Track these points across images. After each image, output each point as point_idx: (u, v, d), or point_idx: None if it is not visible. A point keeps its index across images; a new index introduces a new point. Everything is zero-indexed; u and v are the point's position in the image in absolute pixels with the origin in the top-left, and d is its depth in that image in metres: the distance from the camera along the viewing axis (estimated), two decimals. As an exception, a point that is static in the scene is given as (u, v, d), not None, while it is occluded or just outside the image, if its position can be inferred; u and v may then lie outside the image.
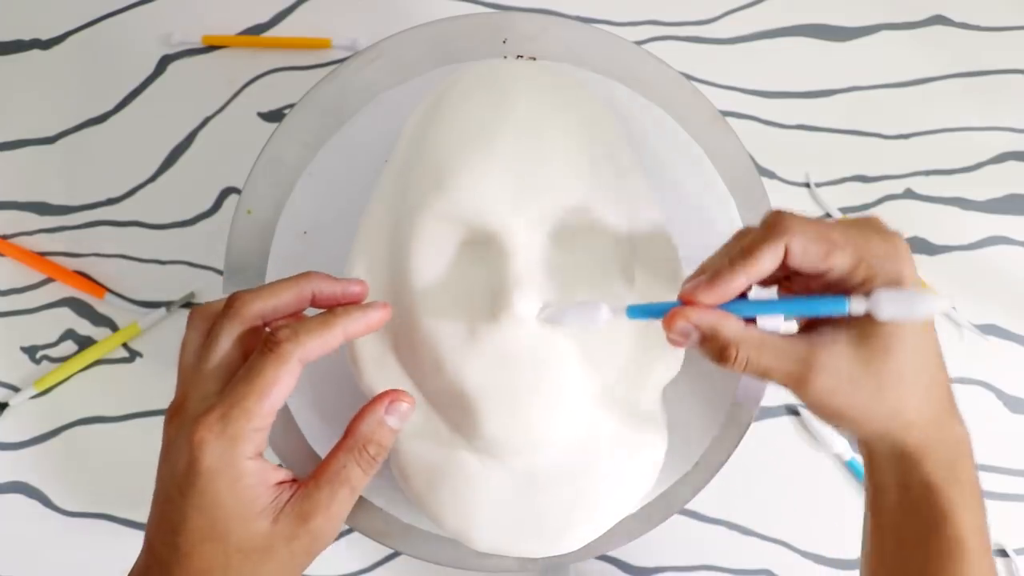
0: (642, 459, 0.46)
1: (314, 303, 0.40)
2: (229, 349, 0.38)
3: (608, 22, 0.62)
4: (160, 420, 0.57)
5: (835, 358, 0.37)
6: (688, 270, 0.49)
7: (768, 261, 0.37)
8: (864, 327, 0.37)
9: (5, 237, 0.60)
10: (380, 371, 0.45)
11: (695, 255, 0.50)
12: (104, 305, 0.59)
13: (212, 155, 0.61)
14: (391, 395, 0.40)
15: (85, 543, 0.58)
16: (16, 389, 0.59)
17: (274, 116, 0.61)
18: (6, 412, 0.59)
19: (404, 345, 0.44)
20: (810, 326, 0.39)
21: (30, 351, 0.59)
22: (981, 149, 0.62)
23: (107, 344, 0.59)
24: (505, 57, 0.53)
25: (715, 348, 0.38)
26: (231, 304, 0.38)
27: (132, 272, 0.60)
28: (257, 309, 0.38)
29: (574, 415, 0.43)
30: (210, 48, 0.61)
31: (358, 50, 0.58)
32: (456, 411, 0.43)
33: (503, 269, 0.42)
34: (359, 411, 0.40)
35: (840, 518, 0.58)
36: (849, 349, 0.37)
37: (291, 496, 0.37)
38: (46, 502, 0.58)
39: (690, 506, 0.55)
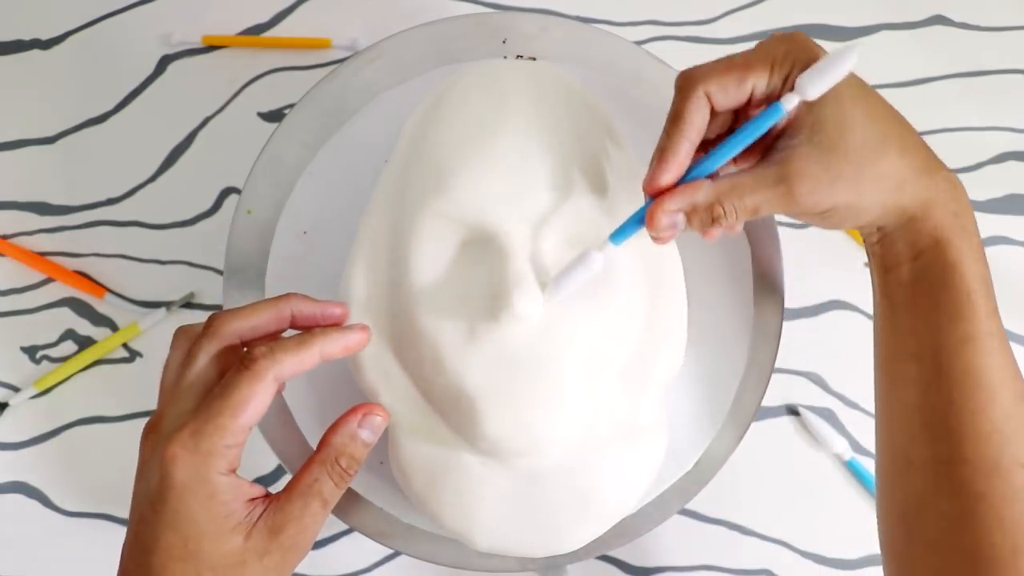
0: (642, 459, 0.46)
1: (294, 324, 0.41)
2: (206, 367, 0.38)
3: (608, 22, 0.62)
4: (160, 420, 0.58)
5: (803, 161, 0.38)
6: (686, 265, 0.49)
7: (696, 115, 0.38)
8: (811, 124, 0.38)
9: (5, 237, 0.60)
10: (380, 371, 0.45)
11: (694, 255, 0.50)
12: (104, 305, 0.59)
13: (212, 155, 0.61)
14: (364, 408, 0.40)
15: (85, 543, 0.58)
16: (16, 389, 0.59)
17: (274, 116, 0.61)
18: (6, 412, 0.59)
19: (404, 345, 0.44)
20: (771, 149, 0.40)
21: (30, 351, 0.59)
22: (981, 149, 0.62)
23: (107, 344, 0.59)
24: (505, 57, 0.53)
25: (703, 218, 0.39)
26: (210, 324, 0.39)
27: (132, 272, 0.60)
28: (235, 328, 0.39)
29: (574, 415, 0.43)
30: (210, 48, 0.61)
31: (358, 50, 0.58)
32: (456, 411, 0.43)
33: (503, 268, 0.42)
34: (333, 424, 0.40)
35: (840, 518, 0.58)
36: (810, 148, 0.38)
37: (263, 511, 0.37)
38: (46, 502, 0.58)
39: (690, 506, 0.55)
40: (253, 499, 0.37)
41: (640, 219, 0.40)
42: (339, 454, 0.39)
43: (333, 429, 0.40)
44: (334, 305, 0.42)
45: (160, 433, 0.37)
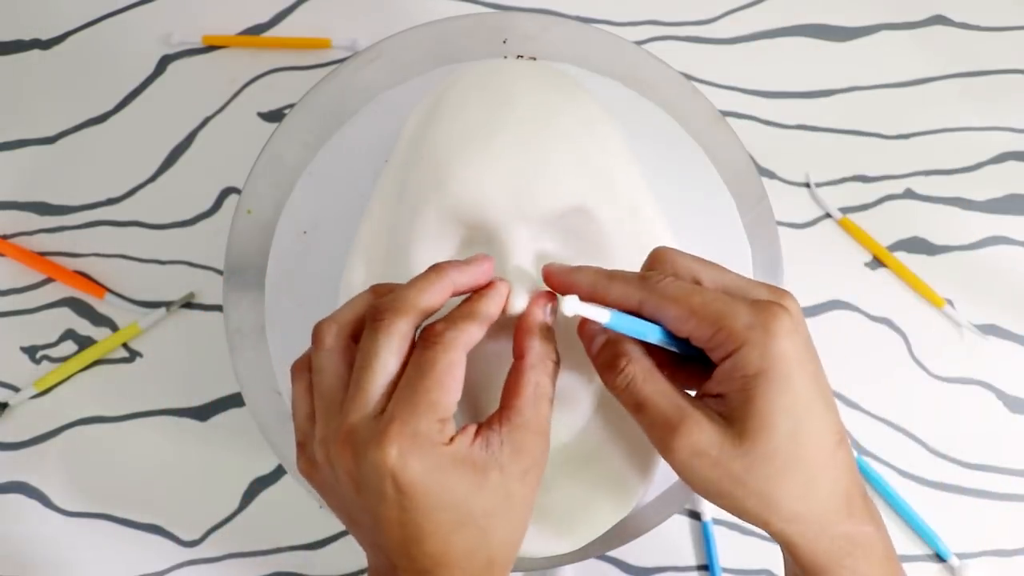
0: (642, 459, 0.46)
1: (454, 294, 0.39)
2: (392, 366, 0.36)
3: (608, 22, 0.62)
4: (160, 420, 0.58)
5: (706, 422, 0.35)
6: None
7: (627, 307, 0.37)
8: (742, 404, 0.35)
9: (5, 237, 0.60)
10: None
11: (698, 251, 0.50)
12: (104, 305, 0.59)
13: (212, 155, 0.61)
14: (543, 299, 0.40)
15: (85, 543, 0.58)
16: (16, 389, 0.59)
17: (274, 116, 0.61)
18: (6, 412, 0.59)
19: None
20: (704, 394, 0.37)
21: (30, 351, 0.59)
22: (981, 149, 0.62)
23: (107, 344, 0.59)
24: (505, 57, 0.53)
25: (610, 354, 0.38)
26: (382, 317, 0.36)
27: (132, 272, 0.60)
28: (413, 321, 0.37)
29: (574, 415, 0.43)
30: (210, 48, 0.61)
31: (358, 50, 0.58)
32: (456, 411, 0.43)
33: (502, 269, 0.42)
34: (518, 326, 0.39)
35: (840, 518, 0.58)
36: (719, 422, 0.36)
37: (500, 437, 0.36)
38: (46, 502, 0.58)
39: (690, 506, 0.55)
40: (477, 435, 0.36)
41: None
42: (548, 351, 0.38)
43: (527, 330, 0.39)
44: (483, 260, 0.40)
45: (363, 441, 0.35)
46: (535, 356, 0.38)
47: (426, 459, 0.34)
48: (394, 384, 0.36)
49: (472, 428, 0.36)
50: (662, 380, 0.37)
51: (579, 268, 0.39)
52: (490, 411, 0.38)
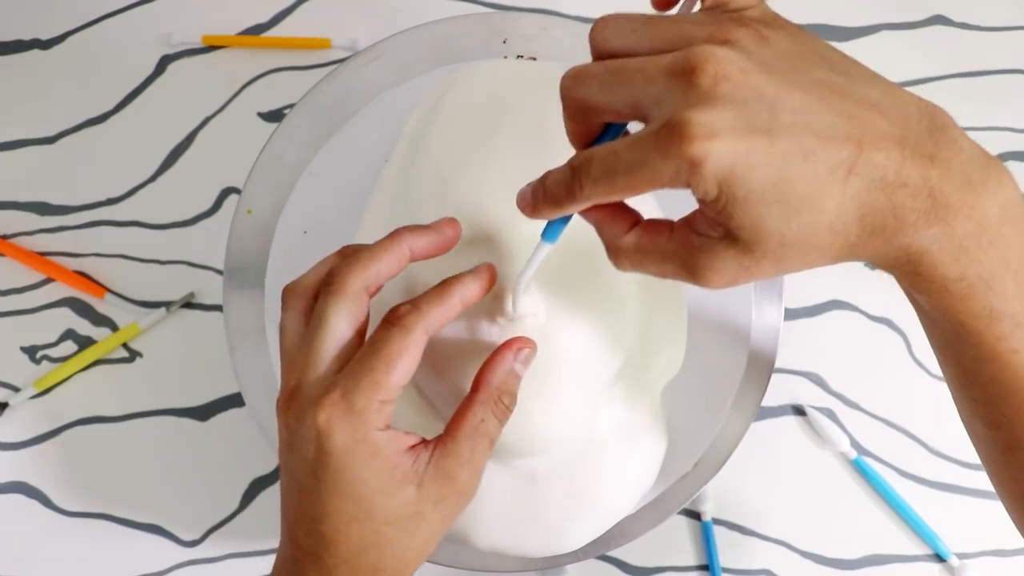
0: (642, 459, 0.46)
1: (412, 259, 0.39)
2: (339, 327, 0.36)
3: (608, 22, 0.62)
4: (160, 420, 0.58)
5: (713, 258, 0.31)
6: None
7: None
8: (726, 225, 0.30)
9: (5, 237, 0.60)
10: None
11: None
12: (104, 305, 0.59)
13: (212, 155, 0.61)
14: (517, 343, 0.39)
15: (85, 543, 0.58)
16: (16, 389, 0.59)
17: (274, 116, 0.61)
18: (6, 412, 0.59)
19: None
20: (698, 214, 0.32)
21: (30, 351, 0.59)
22: (981, 149, 0.62)
23: (107, 344, 0.59)
24: (505, 57, 0.53)
25: (605, 245, 0.35)
26: (332, 280, 0.37)
27: (132, 272, 0.60)
28: (361, 281, 0.37)
29: (573, 416, 0.43)
30: (210, 48, 0.61)
31: (358, 50, 0.58)
32: (424, 385, 0.43)
33: (502, 269, 0.42)
34: (486, 363, 0.39)
35: (841, 518, 0.58)
36: (721, 247, 0.31)
37: (430, 457, 0.36)
38: (46, 502, 0.58)
39: (690, 506, 0.55)
40: (413, 447, 0.36)
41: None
42: (501, 392, 0.38)
43: (489, 368, 0.39)
44: (445, 225, 0.39)
45: (304, 401, 0.35)
46: (488, 394, 0.38)
47: (353, 434, 0.34)
48: (345, 346, 0.36)
49: (413, 437, 0.37)
50: (653, 246, 0.33)
51: (534, 201, 0.34)
52: (461, 393, 0.39)
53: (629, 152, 0.30)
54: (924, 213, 0.30)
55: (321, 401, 0.35)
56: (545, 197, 0.34)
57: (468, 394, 0.38)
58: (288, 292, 0.39)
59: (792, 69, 0.30)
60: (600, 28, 0.33)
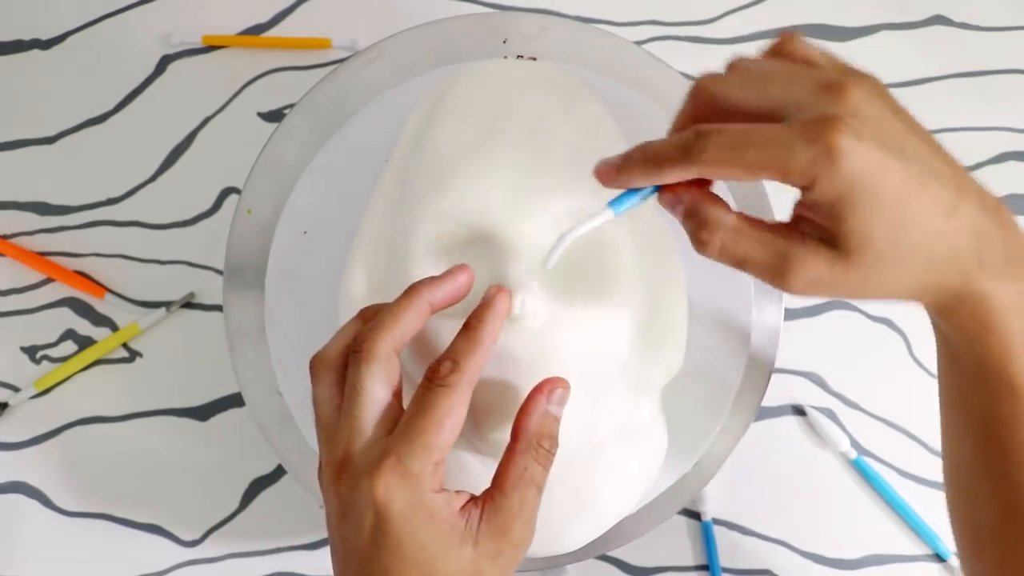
0: (642, 459, 0.46)
1: (432, 312, 0.39)
2: (379, 393, 0.37)
3: (608, 22, 0.62)
4: (160, 419, 0.58)
5: (808, 256, 0.33)
6: (687, 267, 0.49)
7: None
8: (836, 227, 0.33)
9: (5, 237, 0.60)
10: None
11: (694, 254, 0.50)
12: (104, 305, 0.59)
13: (212, 155, 0.61)
14: (548, 384, 0.40)
15: (85, 543, 0.58)
16: (16, 389, 0.59)
17: (274, 116, 0.61)
18: (6, 412, 0.59)
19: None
20: (797, 218, 0.35)
21: (30, 351, 0.59)
22: (981, 149, 0.62)
23: (107, 344, 0.59)
24: (505, 57, 0.53)
25: (691, 227, 0.35)
26: (360, 347, 0.37)
27: (132, 272, 0.60)
28: (389, 343, 0.37)
29: (574, 416, 0.43)
30: (210, 48, 0.61)
31: (358, 50, 0.58)
32: None
33: (502, 270, 0.42)
34: (522, 408, 0.39)
35: (841, 518, 0.58)
36: (819, 247, 0.33)
37: (481, 514, 0.37)
38: (46, 502, 0.58)
39: (690, 506, 0.55)
40: (464, 506, 0.37)
41: (647, 193, 0.37)
42: (540, 437, 0.38)
43: (525, 413, 0.39)
44: (458, 273, 0.40)
45: (356, 469, 0.36)
46: (527, 442, 0.38)
47: (411, 499, 0.35)
48: (386, 410, 0.37)
49: (464, 496, 0.37)
50: (752, 229, 0.34)
51: (625, 163, 0.36)
52: (490, 417, 0.39)
53: (769, 131, 0.32)
54: (1003, 264, 0.34)
55: (377, 468, 0.35)
56: (644, 157, 0.35)
57: (508, 444, 0.38)
58: (316, 363, 0.39)
59: (904, 119, 0.34)
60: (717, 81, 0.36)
